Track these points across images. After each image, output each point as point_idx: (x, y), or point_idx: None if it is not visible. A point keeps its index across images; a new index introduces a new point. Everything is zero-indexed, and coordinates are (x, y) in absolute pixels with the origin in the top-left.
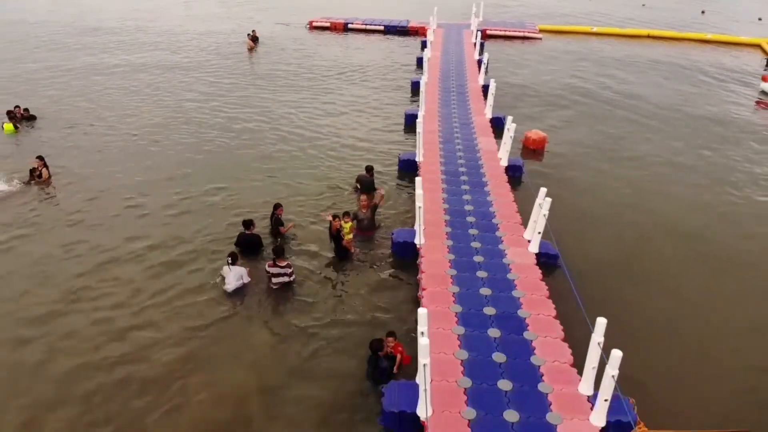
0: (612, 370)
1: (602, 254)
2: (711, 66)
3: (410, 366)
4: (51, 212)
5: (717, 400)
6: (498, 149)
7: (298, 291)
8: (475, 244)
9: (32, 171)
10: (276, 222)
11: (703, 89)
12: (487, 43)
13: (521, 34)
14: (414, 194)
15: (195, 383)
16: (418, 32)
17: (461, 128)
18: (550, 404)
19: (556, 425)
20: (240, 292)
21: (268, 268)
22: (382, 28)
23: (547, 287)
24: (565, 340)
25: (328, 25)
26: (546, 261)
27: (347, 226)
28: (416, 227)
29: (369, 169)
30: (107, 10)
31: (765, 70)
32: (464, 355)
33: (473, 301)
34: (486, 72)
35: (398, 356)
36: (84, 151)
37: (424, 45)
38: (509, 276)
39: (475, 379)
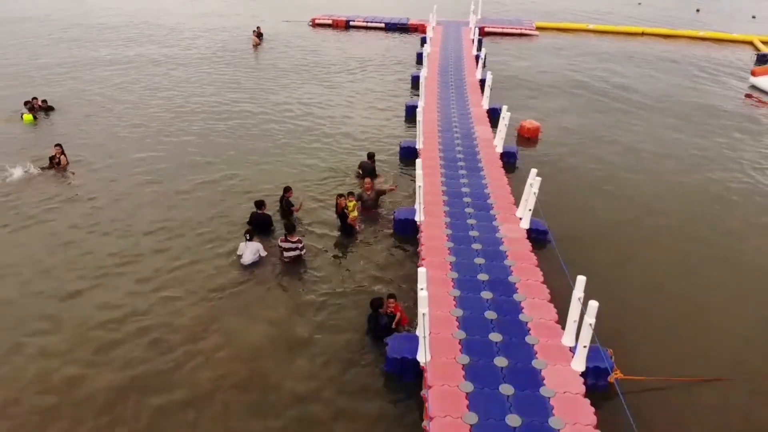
0: (589, 318)
1: (587, 230)
2: (703, 61)
3: (409, 327)
4: (72, 194)
5: (690, 353)
6: (494, 137)
7: (308, 263)
8: (471, 221)
9: (51, 158)
10: (287, 204)
11: (695, 82)
12: (485, 40)
13: (518, 31)
14: (414, 178)
15: (215, 343)
16: (418, 29)
17: (459, 118)
18: (536, 353)
19: (540, 369)
20: (255, 264)
21: (280, 243)
22: (383, 25)
23: (535, 258)
24: (550, 301)
25: (330, 22)
26: (536, 237)
27: (351, 204)
28: (416, 205)
29: (370, 156)
30: (114, 8)
31: (755, 65)
32: (459, 312)
33: (468, 269)
34: (484, 67)
35: (398, 314)
36: (99, 140)
37: (423, 41)
38: (501, 248)
39: (469, 332)
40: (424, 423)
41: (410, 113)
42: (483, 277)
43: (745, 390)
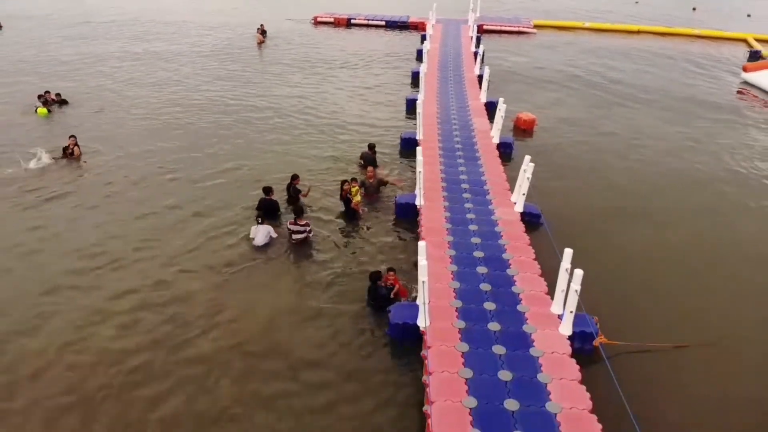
0: (575, 285)
1: (580, 214)
2: (698, 57)
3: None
4: (86, 183)
5: (668, 321)
6: (491, 129)
7: (315, 245)
8: (468, 206)
9: (65, 149)
10: (294, 191)
11: (689, 77)
12: (484, 37)
13: (516, 29)
14: (414, 168)
15: (230, 314)
16: (418, 27)
17: (458, 111)
18: (527, 319)
19: (530, 333)
20: (267, 246)
21: (289, 226)
22: (383, 23)
23: (528, 238)
24: (541, 275)
25: (332, 20)
26: (530, 219)
27: (354, 189)
28: (417, 190)
29: (371, 147)
30: (115, 8)
31: (747, 61)
32: (456, 284)
33: (465, 247)
34: (482, 63)
35: (396, 286)
36: (111, 132)
37: (423, 39)
38: (496, 229)
39: (465, 301)
40: (424, 378)
41: (410, 106)
42: (479, 254)
43: (721, 356)
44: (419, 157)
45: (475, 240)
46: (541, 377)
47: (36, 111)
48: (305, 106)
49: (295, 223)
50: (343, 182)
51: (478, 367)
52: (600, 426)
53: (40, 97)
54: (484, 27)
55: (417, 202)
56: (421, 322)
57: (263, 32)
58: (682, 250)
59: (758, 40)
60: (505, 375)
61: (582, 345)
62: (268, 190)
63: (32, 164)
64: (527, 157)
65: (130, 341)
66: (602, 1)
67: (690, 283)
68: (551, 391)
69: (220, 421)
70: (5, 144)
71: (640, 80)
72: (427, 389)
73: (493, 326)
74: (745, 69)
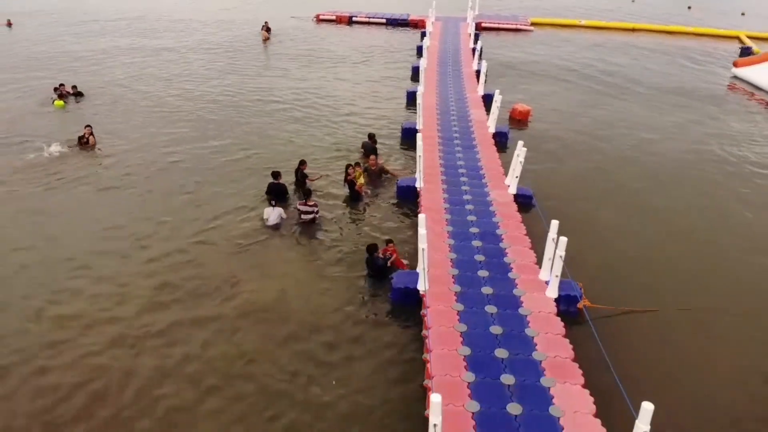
0: (560, 251)
1: (571, 197)
2: (691, 53)
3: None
4: (103, 168)
5: (658, 289)
6: (488, 119)
7: (322, 225)
8: (465, 188)
9: (80, 138)
10: (301, 175)
11: (681, 71)
12: (482, 35)
13: (514, 26)
14: (414, 157)
15: (244, 282)
16: (418, 25)
17: (456, 103)
18: (517, 285)
19: (520, 296)
20: (278, 226)
21: (298, 206)
22: (384, 21)
23: (520, 216)
24: (531, 249)
25: (333, 18)
26: (522, 201)
27: (358, 173)
28: (417, 174)
29: (371, 136)
30: (116, 8)
31: (739, 57)
32: (453, 256)
33: (461, 224)
34: (480, 58)
35: (394, 255)
36: (125, 123)
37: (423, 35)
38: (491, 208)
39: (461, 269)
40: (424, 331)
41: (411, 99)
42: (474, 230)
43: (693, 318)
44: (419, 142)
45: (471, 218)
46: (528, 331)
47: (53, 103)
48: (310, 99)
49: (305, 204)
50: (348, 166)
51: (472, 322)
52: (581, 371)
53: (56, 89)
54: (482, 24)
55: (417, 185)
56: (421, 286)
57: (268, 29)
58: (664, 221)
59: (750, 38)
60: (496, 329)
61: (567, 307)
62: (276, 175)
63: (52, 149)
64: (520, 142)
65: (157, 305)
66: (600, 0)
67: (669, 252)
68: (537, 343)
69: (248, 365)
70: (26, 133)
71: (634, 73)
72: (427, 340)
73: (486, 290)
74: (735, 64)
